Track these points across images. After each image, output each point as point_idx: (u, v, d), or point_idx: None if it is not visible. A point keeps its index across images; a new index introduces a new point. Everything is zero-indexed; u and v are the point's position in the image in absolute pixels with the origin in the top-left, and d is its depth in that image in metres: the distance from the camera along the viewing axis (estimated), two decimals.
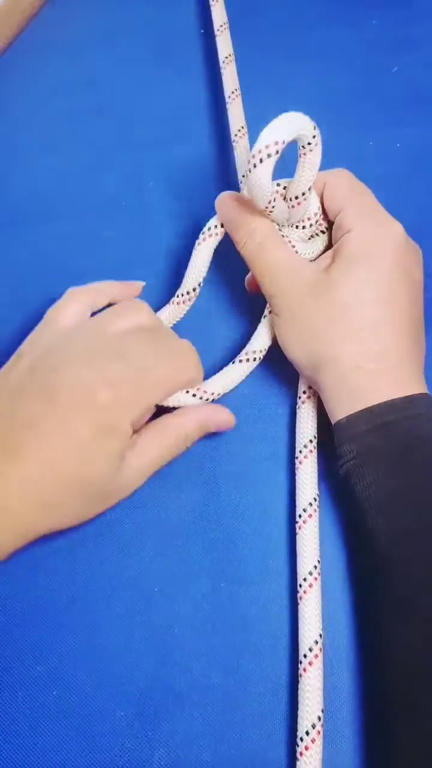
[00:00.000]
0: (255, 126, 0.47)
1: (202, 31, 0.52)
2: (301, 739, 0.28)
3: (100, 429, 0.27)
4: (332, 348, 0.30)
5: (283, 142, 0.28)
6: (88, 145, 0.47)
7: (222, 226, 0.35)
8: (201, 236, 0.35)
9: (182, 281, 0.35)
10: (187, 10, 0.54)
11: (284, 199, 0.33)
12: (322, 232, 0.35)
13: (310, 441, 0.34)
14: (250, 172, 0.29)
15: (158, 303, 0.40)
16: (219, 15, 0.49)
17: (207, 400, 0.33)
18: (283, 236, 0.34)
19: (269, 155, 0.28)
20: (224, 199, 0.34)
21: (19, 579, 0.33)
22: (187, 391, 0.32)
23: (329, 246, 0.35)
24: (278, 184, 0.33)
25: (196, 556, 0.33)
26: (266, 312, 0.36)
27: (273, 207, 0.31)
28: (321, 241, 0.35)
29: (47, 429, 0.27)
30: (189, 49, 0.52)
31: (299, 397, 0.35)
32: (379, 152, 0.46)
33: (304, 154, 0.30)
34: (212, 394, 0.33)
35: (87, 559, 0.33)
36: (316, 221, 0.34)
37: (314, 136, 0.30)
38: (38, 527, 0.27)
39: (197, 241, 0.35)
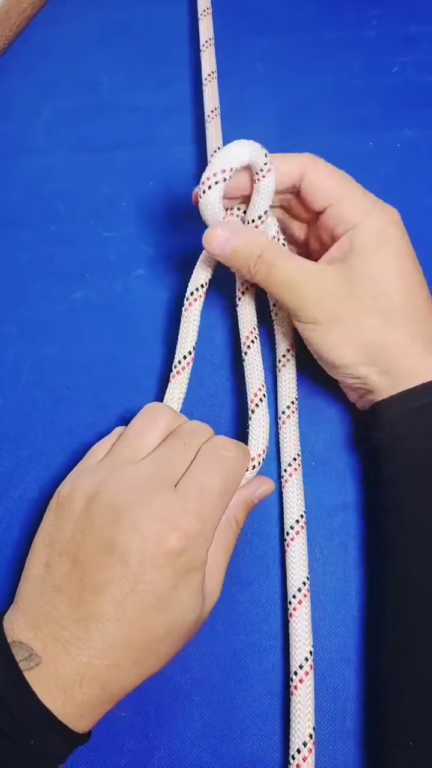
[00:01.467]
0: (254, 125, 0.47)
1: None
2: (298, 752, 0.28)
3: (180, 573, 0.26)
4: (381, 336, 0.31)
5: (232, 170, 0.30)
6: (88, 145, 0.47)
7: (203, 287, 0.35)
8: (186, 302, 0.35)
9: (176, 350, 0.35)
10: (187, 10, 0.54)
11: (243, 222, 0.34)
12: None
13: (294, 459, 0.34)
14: (200, 197, 0.31)
15: (158, 305, 0.41)
16: (202, 2, 0.51)
17: (259, 463, 0.32)
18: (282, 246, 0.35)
19: (217, 182, 0.30)
20: (215, 237, 0.33)
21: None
22: None
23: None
24: (238, 208, 0.34)
25: None
26: (245, 349, 0.35)
27: None
28: None
29: (124, 590, 0.25)
30: (189, 49, 0.52)
31: (279, 418, 0.35)
32: (379, 152, 0.46)
33: (257, 180, 0.32)
34: (258, 456, 0.32)
35: None
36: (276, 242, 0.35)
37: (266, 164, 0.31)
38: (130, 684, 0.26)
39: (183, 308, 0.35)
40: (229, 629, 0.32)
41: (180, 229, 0.43)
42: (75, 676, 0.25)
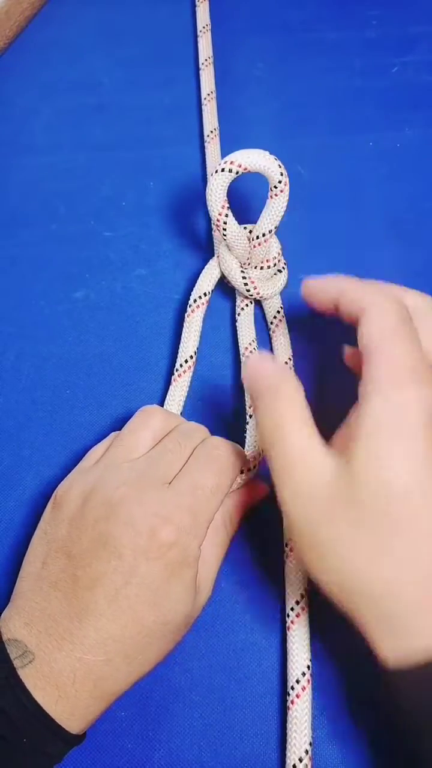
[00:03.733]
0: (255, 125, 0.47)
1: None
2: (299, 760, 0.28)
3: (172, 567, 0.26)
4: (379, 585, 0.23)
5: (243, 168, 0.31)
6: (88, 145, 0.47)
7: (207, 295, 0.37)
8: (189, 308, 0.37)
9: (177, 354, 0.36)
10: (187, 10, 0.54)
11: (248, 240, 0.35)
12: (279, 271, 0.37)
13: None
14: (210, 176, 0.32)
15: (158, 305, 0.41)
16: (202, 17, 0.51)
17: (254, 467, 0.32)
18: (246, 279, 0.35)
19: (224, 169, 0.31)
20: (253, 366, 0.27)
21: None
22: None
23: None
24: (245, 228, 0.35)
25: None
26: (243, 359, 0.36)
27: (225, 224, 0.33)
28: (281, 278, 0.37)
29: (117, 583, 0.26)
30: (189, 49, 0.52)
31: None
32: (379, 152, 0.46)
33: (271, 197, 0.33)
34: (254, 459, 0.32)
35: None
36: (275, 264, 0.36)
37: (280, 181, 0.32)
38: (122, 682, 0.26)
39: (186, 314, 0.36)
40: (229, 629, 0.32)
41: (180, 228, 0.43)
42: (68, 673, 0.25)
